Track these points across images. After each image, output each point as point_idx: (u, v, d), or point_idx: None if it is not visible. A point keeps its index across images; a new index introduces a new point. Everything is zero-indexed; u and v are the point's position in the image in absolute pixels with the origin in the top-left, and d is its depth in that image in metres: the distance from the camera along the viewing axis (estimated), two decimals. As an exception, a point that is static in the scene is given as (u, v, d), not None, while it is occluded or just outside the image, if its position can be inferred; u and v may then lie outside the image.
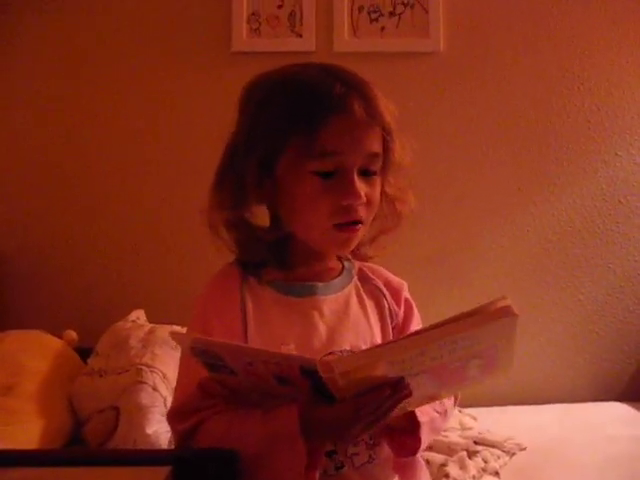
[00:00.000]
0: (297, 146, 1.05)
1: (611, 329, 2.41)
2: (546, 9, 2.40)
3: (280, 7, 2.37)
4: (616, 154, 2.40)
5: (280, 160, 1.07)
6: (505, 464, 1.80)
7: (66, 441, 1.79)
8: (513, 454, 1.84)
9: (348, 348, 1.10)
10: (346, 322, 1.13)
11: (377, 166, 1.10)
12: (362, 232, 1.11)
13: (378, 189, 1.11)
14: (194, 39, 2.38)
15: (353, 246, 1.12)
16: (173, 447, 1.71)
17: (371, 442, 1.08)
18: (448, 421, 1.18)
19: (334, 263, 1.19)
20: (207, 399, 1.04)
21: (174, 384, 1.79)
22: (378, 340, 1.15)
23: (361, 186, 1.06)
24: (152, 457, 1.21)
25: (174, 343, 1.90)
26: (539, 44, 2.40)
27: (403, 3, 2.37)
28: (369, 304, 1.19)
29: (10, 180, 2.37)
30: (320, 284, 1.14)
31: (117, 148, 2.37)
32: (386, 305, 1.20)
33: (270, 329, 1.08)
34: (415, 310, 1.24)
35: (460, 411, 2.06)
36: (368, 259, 1.23)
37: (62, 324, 2.09)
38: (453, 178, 2.38)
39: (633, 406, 2.21)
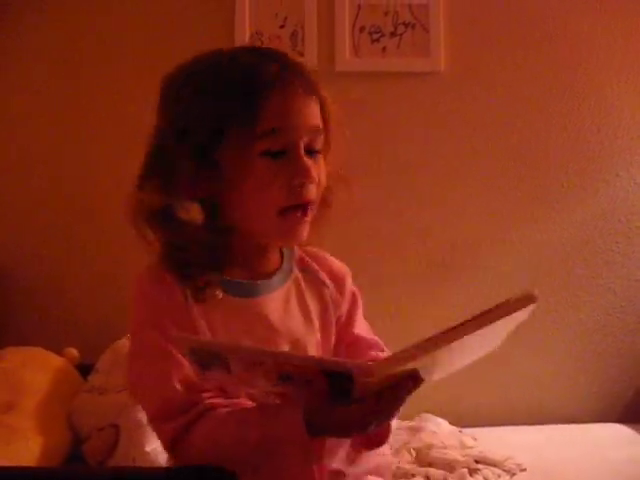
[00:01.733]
0: (238, 129, 1.02)
1: (612, 349, 2.41)
2: (546, 29, 2.42)
3: (282, 27, 2.39)
4: (617, 174, 2.41)
5: (221, 148, 1.03)
6: (505, 483, 1.80)
7: (65, 459, 1.79)
8: (513, 474, 1.83)
9: (287, 348, 1.08)
10: (287, 321, 1.10)
11: (320, 143, 1.07)
12: (311, 216, 1.07)
13: (324, 169, 1.08)
14: (197, 58, 2.39)
15: (304, 236, 1.07)
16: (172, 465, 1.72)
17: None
18: None
19: (275, 259, 1.14)
20: (194, 393, 1.00)
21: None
22: (318, 336, 1.13)
23: (310, 164, 1.04)
24: (151, 475, 1.21)
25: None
26: (539, 64, 2.41)
27: (404, 23, 2.39)
28: (310, 297, 1.15)
29: (12, 195, 2.37)
30: (260, 282, 1.10)
31: (118, 165, 2.37)
32: (329, 298, 1.17)
33: (215, 333, 1.04)
34: (360, 301, 1.22)
35: (460, 431, 2.06)
36: (306, 245, 1.18)
37: (63, 341, 2.09)
38: (452, 197, 2.39)
39: (634, 428, 2.19)
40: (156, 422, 1.04)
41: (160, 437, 1.04)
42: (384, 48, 2.39)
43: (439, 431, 2.03)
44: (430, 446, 1.89)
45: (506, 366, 2.36)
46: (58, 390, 1.87)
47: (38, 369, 1.88)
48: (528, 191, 2.40)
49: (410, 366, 0.87)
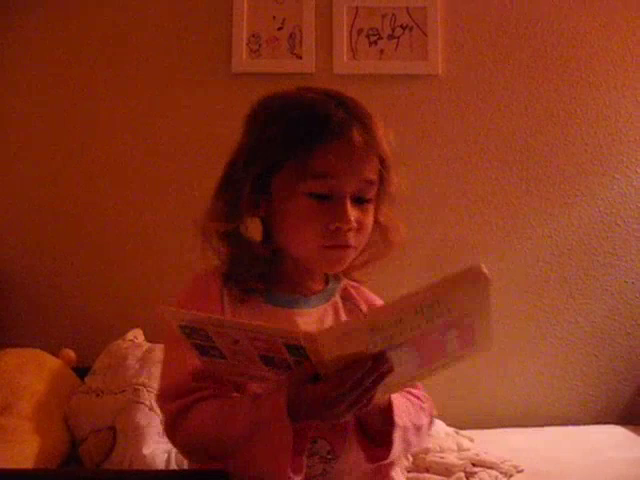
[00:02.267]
0: (293, 166, 1.08)
1: (609, 351, 2.41)
2: (544, 33, 2.43)
3: (280, 29, 2.40)
4: (613, 177, 2.42)
5: (275, 178, 1.10)
6: (503, 485, 1.80)
7: (62, 461, 1.78)
8: (510, 476, 1.83)
9: None
10: None
11: (371, 193, 1.13)
12: (352, 255, 1.14)
13: (371, 216, 1.14)
14: (195, 60, 2.39)
15: (344, 266, 1.14)
16: (169, 466, 1.71)
17: (328, 456, 1.09)
18: (423, 440, 1.19)
19: (319, 283, 1.21)
20: (198, 380, 1.05)
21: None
22: None
23: (353, 212, 1.09)
24: (148, 478, 1.21)
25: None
26: (537, 67, 2.42)
27: (402, 26, 2.39)
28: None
29: (9, 199, 2.37)
30: (299, 296, 1.17)
31: (116, 167, 2.38)
32: None
33: None
34: None
35: (457, 432, 2.06)
36: (358, 282, 1.25)
37: (60, 343, 2.09)
38: (450, 200, 2.39)
39: (631, 429, 2.19)
40: (162, 400, 1.09)
41: (163, 416, 1.09)
42: (382, 51, 2.40)
43: (435, 433, 2.02)
44: (426, 450, 1.88)
45: (503, 368, 2.36)
46: (55, 392, 1.86)
47: (35, 371, 1.88)
48: (525, 194, 2.41)
49: (354, 335, 0.89)
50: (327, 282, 1.22)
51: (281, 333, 0.92)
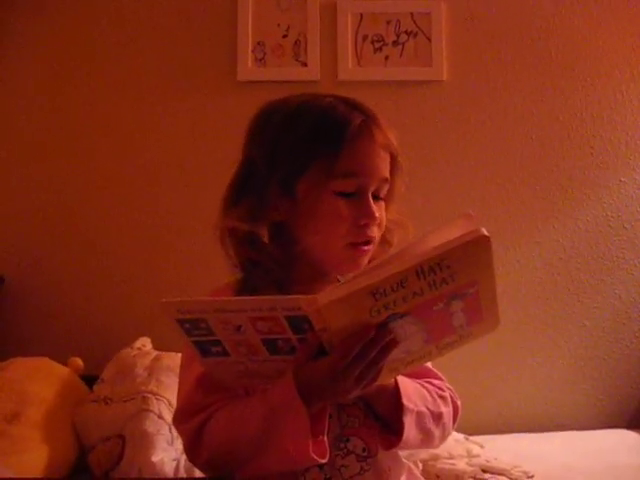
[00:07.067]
0: (320, 167, 1.09)
1: (617, 355, 2.40)
2: (549, 38, 2.43)
3: (285, 37, 2.40)
4: (620, 180, 2.41)
5: (301, 180, 1.10)
6: (513, 492, 1.79)
7: (71, 469, 1.78)
8: (521, 482, 1.82)
9: None
10: None
11: (384, 191, 1.15)
12: (372, 251, 1.14)
13: (384, 213, 1.15)
14: (201, 68, 2.40)
15: (364, 265, 1.14)
16: (178, 474, 1.71)
17: (364, 454, 1.08)
18: (446, 430, 1.17)
19: (331, 283, 1.19)
20: (209, 396, 1.05)
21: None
22: None
23: (375, 207, 1.11)
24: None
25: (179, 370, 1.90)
26: (542, 72, 2.42)
27: (406, 32, 2.39)
28: None
29: (16, 208, 2.38)
30: None
31: (122, 176, 2.39)
32: None
33: None
34: None
35: (467, 439, 2.05)
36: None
37: (68, 351, 2.09)
38: (456, 205, 2.39)
39: (641, 433, 2.19)
40: (176, 423, 1.10)
41: (181, 438, 1.10)
42: (387, 57, 2.40)
43: (444, 440, 2.02)
44: (436, 457, 1.88)
45: (512, 373, 2.35)
46: (63, 400, 1.86)
47: (43, 379, 1.88)
48: (531, 198, 2.40)
49: (355, 299, 0.88)
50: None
51: (281, 302, 0.91)
